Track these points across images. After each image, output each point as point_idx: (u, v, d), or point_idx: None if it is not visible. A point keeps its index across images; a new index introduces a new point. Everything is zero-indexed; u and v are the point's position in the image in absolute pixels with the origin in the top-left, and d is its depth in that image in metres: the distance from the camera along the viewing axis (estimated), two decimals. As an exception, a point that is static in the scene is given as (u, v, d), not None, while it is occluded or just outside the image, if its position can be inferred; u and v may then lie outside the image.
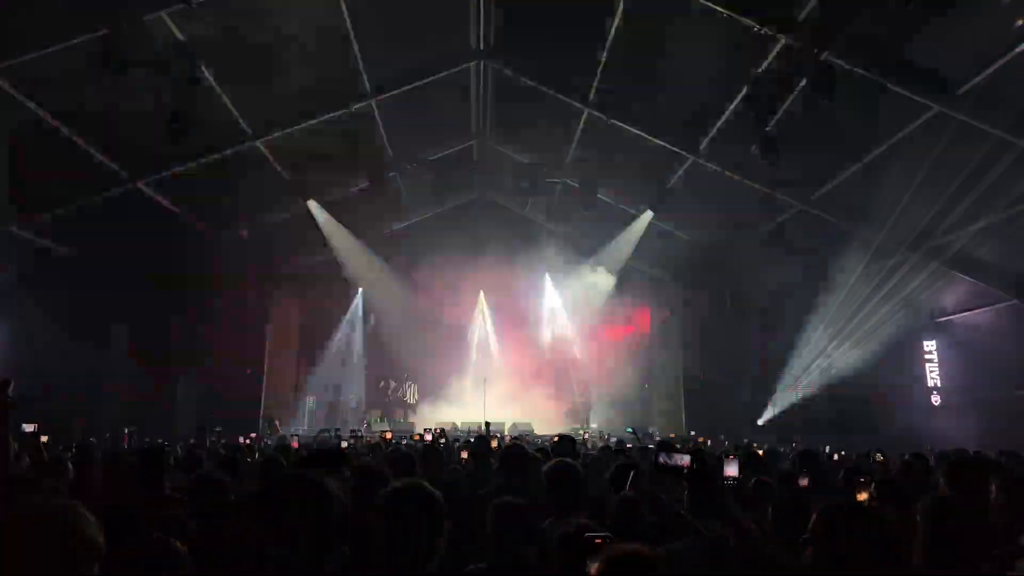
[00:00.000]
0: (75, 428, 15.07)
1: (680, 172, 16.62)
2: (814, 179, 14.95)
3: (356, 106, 15.35)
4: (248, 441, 10.75)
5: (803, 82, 9.54)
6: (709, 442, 15.16)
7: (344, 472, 3.60)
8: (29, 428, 6.41)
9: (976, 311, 16.60)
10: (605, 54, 13.53)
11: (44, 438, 7.74)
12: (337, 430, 12.28)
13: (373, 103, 15.66)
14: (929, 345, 18.08)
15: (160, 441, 9.90)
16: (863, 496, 4.12)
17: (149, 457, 4.51)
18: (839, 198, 14.92)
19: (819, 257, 17.43)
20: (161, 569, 2.44)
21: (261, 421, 18.84)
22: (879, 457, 8.02)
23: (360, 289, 22.60)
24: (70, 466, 5.50)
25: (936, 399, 17.66)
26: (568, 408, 21.28)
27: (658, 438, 11.54)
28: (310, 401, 21.79)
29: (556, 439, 6.96)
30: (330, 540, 2.34)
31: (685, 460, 2.63)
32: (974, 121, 10.98)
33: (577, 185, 17.17)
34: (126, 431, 10.39)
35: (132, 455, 8.03)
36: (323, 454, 3.96)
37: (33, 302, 16.56)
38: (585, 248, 20.58)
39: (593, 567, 2.11)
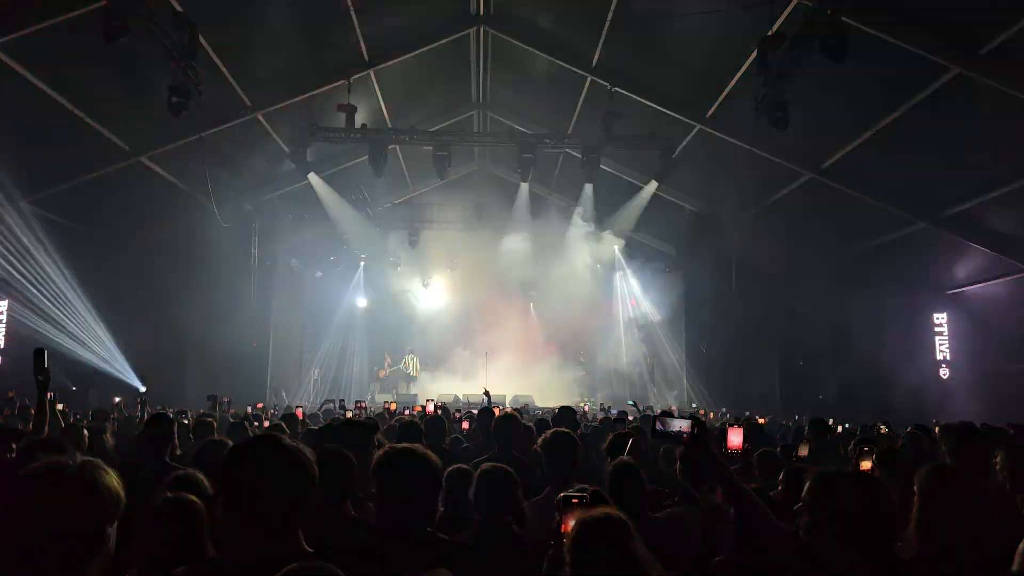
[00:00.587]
0: (89, 396, 15.29)
1: (686, 141, 16.44)
2: (825, 147, 14.74)
3: (355, 76, 15.17)
4: (254, 411, 10.81)
5: (815, 43, 9.30)
6: (712, 414, 15.22)
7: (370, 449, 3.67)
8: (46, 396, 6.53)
9: (989, 283, 16.37)
10: (609, 18, 13.28)
11: (61, 406, 7.86)
12: (342, 401, 12.35)
13: (371, 73, 15.47)
14: (939, 318, 17.93)
15: (168, 409, 10.00)
16: (865, 465, 4.10)
17: (155, 423, 4.56)
18: (850, 166, 14.71)
19: (830, 226, 17.30)
20: (179, 522, 2.49)
21: (268, 392, 18.98)
22: (883, 429, 8.01)
23: (362, 263, 22.59)
24: (85, 432, 5.58)
25: (944, 372, 17.60)
26: (580, 377, 21.35)
27: (659, 410, 11.59)
28: (315, 373, 21.91)
29: (557, 411, 6.97)
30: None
31: (684, 426, 2.60)
32: (995, 83, 10.55)
33: (580, 155, 17.01)
34: (138, 400, 10.51)
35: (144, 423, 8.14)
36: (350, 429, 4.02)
37: (44, 275, 16.70)
38: (588, 220, 20.44)
39: (568, 527, 2.15)
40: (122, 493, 1.66)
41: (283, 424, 6.41)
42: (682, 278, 21.03)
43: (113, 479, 1.65)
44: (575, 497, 2.45)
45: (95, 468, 1.65)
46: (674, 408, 16.49)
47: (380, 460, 2.70)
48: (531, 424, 5.91)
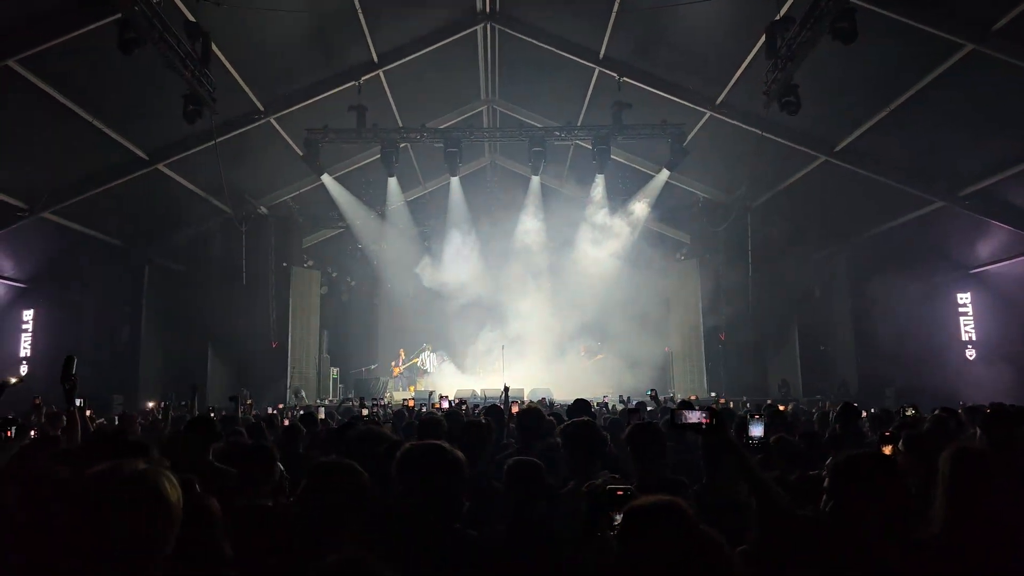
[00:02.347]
0: (114, 402, 15.55)
1: (697, 128, 16.34)
2: (838, 128, 14.59)
3: (365, 77, 15.24)
4: (275, 411, 10.94)
5: (824, 26, 9.19)
6: (731, 404, 15.16)
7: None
8: (76, 403, 6.66)
9: (1012, 260, 16.02)
10: (615, 8, 13.21)
11: (89, 412, 7.99)
12: (362, 399, 12.46)
13: (381, 73, 15.53)
14: (963, 298, 17.58)
15: (209, 408, 10.17)
16: (888, 449, 4.09)
17: (198, 426, 4.60)
18: (865, 147, 14.56)
19: (846, 209, 17.14)
20: (195, 527, 2.52)
21: (288, 392, 19.17)
22: (910, 412, 7.96)
23: (376, 260, 22.70)
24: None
25: (971, 353, 17.29)
26: (600, 368, 21.27)
27: (679, 400, 11.55)
28: (334, 372, 22.08)
29: (571, 404, 6.99)
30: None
31: (702, 417, 2.61)
32: (1010, 58, 10.39)
33: (590, 146, 16.98)
34: (162, 403, 10.67)
35: (174, 425, 8.26)
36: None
37: (69, 284, 17.00)
38: (601, 210, 20.37)
39: (618, 519, 2.08)
40: (181, 500, 1.68)
41: (300, 424, 6.49)
42: (697, 265, 20.93)
43: (174, 485, 1.68)
44: (620, 489, 2.37)
45: (158, 474, 1.67)
46: (694, 398, 16.44)
47: (401, 457, 2.71)
48: (551, 417, 5.94)
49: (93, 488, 1.60)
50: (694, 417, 2.58)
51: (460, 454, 2.71)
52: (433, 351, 22.63)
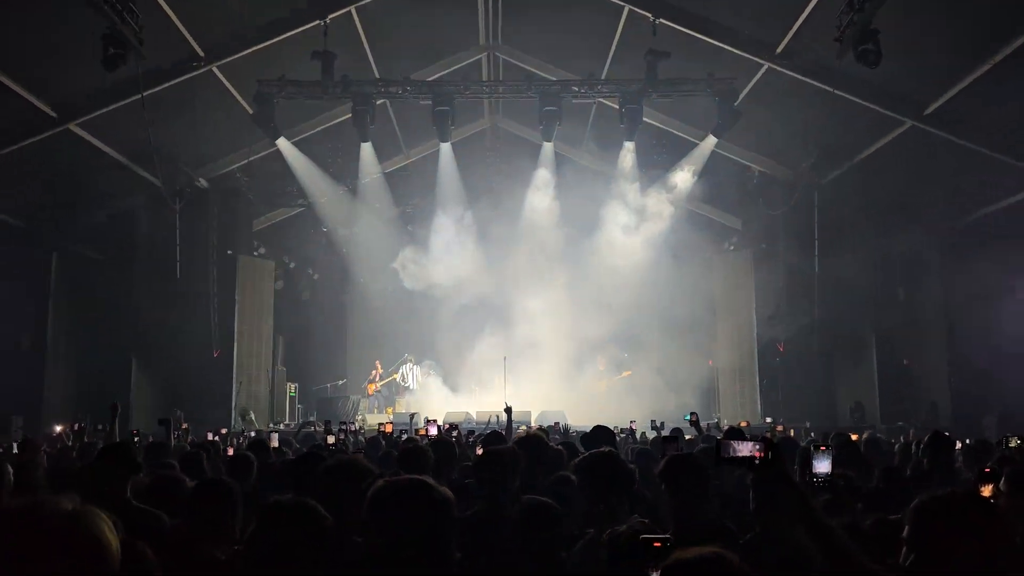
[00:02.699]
0: (13, 425, 15.60)
1: (752, 84, 16.33)
2: (929, 86, 14.56)
3: (332, 15, 15.25)
4: (216, 438, 10.97)
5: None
6: (792, 432, 15.16)
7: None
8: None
9: None
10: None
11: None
12: (327, 423, 12.48)
13: (353, 10, 15.54)
14: (1072, 300, 17.59)
15: (133, 433, 10.18)
16: (987, 490, 4.10)
17: (111, 455, 4.66)
18: (963, 110, 14.53)
19: (937, 188, 17.10)
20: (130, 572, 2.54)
21: (233, 414, 19.22)
22: (1014, 443, 7.95)
23: (345, 248, 22.72)
24: (9, 468, 5.69)
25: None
26: (625, 386, 21.27)
27: (725, 427, 11.54)
28: (292, 389, 22.14)
29: (589, 432, 7.00)
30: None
31: (755, 449, 2.61)
32: None
33: (617, 106, 16.96)
34: (75, 426, 10.69)
35: (83, 453, 8.30)
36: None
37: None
38: (630, 188, 20.38)
39: (656, 574, 2.09)
40: (119, 550, 1.65)
41: (250, 454, 6.52)
42: (751, 258, 20.91)
43: (112, 530, 1.63)
44: (656, 539, 2.37)
45: (94, 515, 1.63)
46: (744, 425, 16.43)
47: (373, 498, 2.71)
48: (559, 447, 5.97)
49: (11, 530, 1.57)
50: (745, 449, 2.59)
51: (448, 492, 2.72)
52: (417, 363, 22.68)
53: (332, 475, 3.60)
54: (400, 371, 22.59)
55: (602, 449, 4.03)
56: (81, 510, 1.64)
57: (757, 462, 2.57)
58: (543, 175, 20.70)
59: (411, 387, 22.39)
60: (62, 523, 1.59)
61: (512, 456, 4.41)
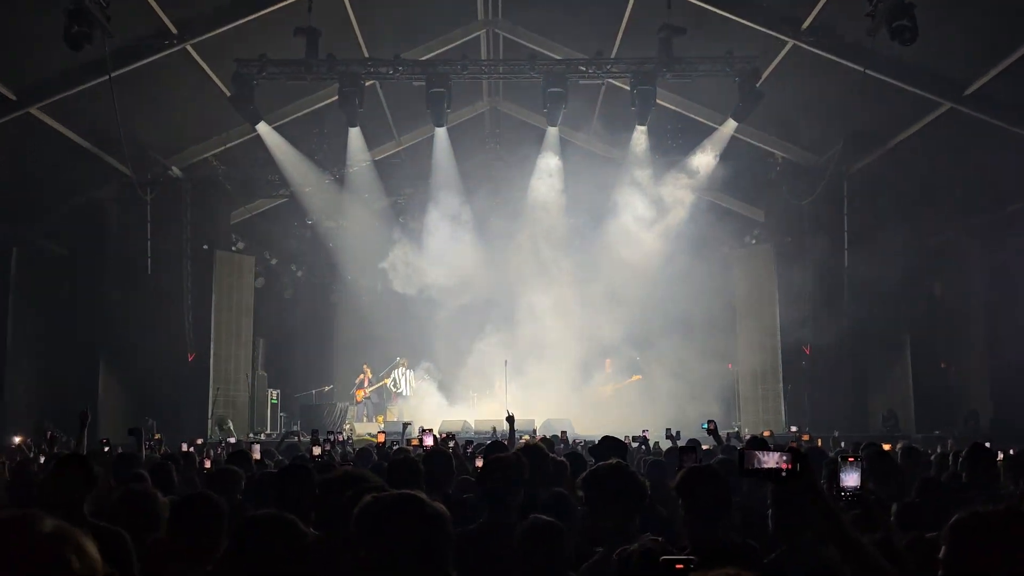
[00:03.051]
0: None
1: (775, 63, 16.31)
2: (968, 66, 14.53)
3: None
4: (192, 449, 10.99)
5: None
6: (819, 442, 15.17)
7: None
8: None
9: None
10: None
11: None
12: (313, 433, 12.51)
13: (341, -18, 15.55)
14: None
15: (103, 443, 10.23)
16: (1032, 506, 4.10)
17: (67, 467, 4.68)
18: (1007, 91, 14.51)
19: (978, 175, 17.07)
20: None
21: (209, 422, 19.24)
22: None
23: (332, 242, 22.72)
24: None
25: None
26: (638, 390, 21.25)
27: (747, 436, 11.54)
28: (273, 395, 22.15)
29: (597, 443, 7.01)
30: None
31: (782, 460, 2.60)
32: None
33: (628, 87, 16.94)
34: (49, 434, 10.77)
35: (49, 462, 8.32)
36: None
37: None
38: (643, 176, 20.37)
39: None
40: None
41: (235, 467, 6.53)
42: (774, 252, 20.90)
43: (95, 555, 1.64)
44: (678, 560, 2.38)
45: (78, 535, 1.62)
46: (768, 434, 16.44)
47: (360, 514, 2.71)
48: (563, 459, 5.98)
49: None
50: (770, 460, 2.59)
51: (441, 507, 2.72)
52: (409, 367, 22.67)
53: (333, 490, 3.61)
54: (392, 376, 22.59)
55: (610, 461, 4.04)
56: (67, 528, 1.63)
57: (784, 474, 2.57)
58: (547, 163, 20.69)
59: (404, 393, 22.38)
60: (43, 543, 1.59)
61: (516, 464, 4.42)
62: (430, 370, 22.71)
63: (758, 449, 2.64)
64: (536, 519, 3.29)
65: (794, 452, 2.60)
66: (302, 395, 22.70)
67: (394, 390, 22.50)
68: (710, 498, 3.76)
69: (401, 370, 22.59)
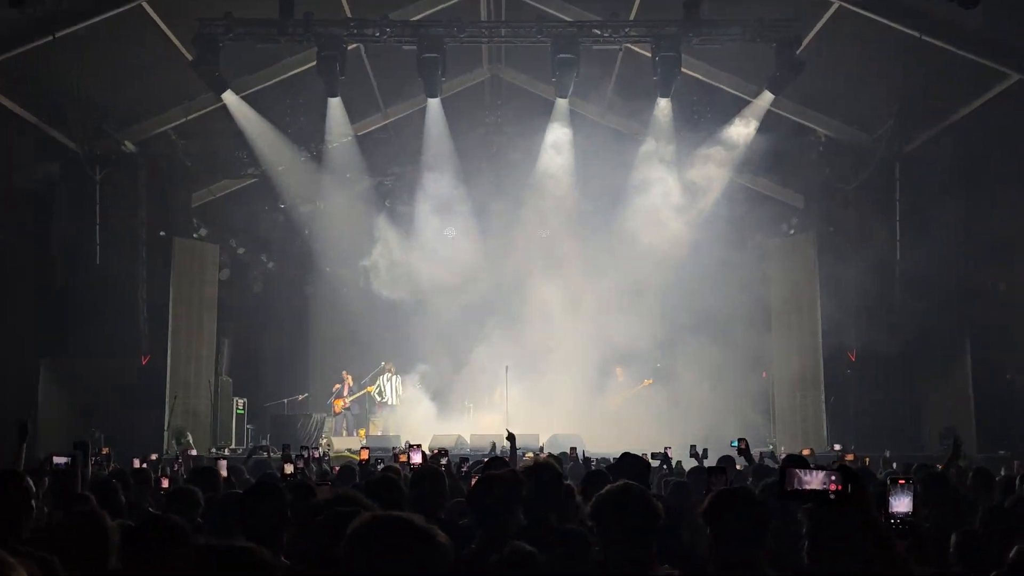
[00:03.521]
0: None
1: (819, 27, 16.28)
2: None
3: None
4: (146, 464, 11.00)
5: None
6: (867, 461, 15.18)
7: None
8: None
9: None
10: None
11: None
12: (285, 448, 12.51)
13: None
14: None
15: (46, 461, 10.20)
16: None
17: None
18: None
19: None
20: None
21: (166, 435, 19.25)
22: None
23: (308, 229, 22.70)
24: None
25: None
26: (657, 401, 21.25)
27: (783, 455, 11.53)
28: (239, 404, 22.17)
29: (615, 460, 7.00)
30: None
31: (830, 480, 2.59)
32: None
33: (649, 54, 16.91)
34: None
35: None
36: None
37: None
38: (665, 156, 20.37)
39: None
40: None
41: (191, 487, 6.51)
42: (815, 243, 20.88)
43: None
44: None
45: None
46: (808, 453, 16.44)
47: (351, 538, 2.72)
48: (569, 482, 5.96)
49: None
50: (815, 480, 2.58)
51: (440, 533, 2.72)
52: (397, 374, 22.66)
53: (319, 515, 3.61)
54: (377, 383, 22.57)
55: (627, 483, 4.03)
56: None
57: (832, 496, 2.55)
58: (556, 138, 20.65)
59: (390, 402, 22.37)
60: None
61: (514, 482, 4.41)
62: (426, 376, 22.64)
63: (799, 467, 2.63)
64: (514, 547, 3.30)
65: (844, 470, 2.58)
66: (272, 404, 22.69)
67: (379, 399, 22.48)
68: (742, 526, 3.75)
69: (387, 376, 22.57)
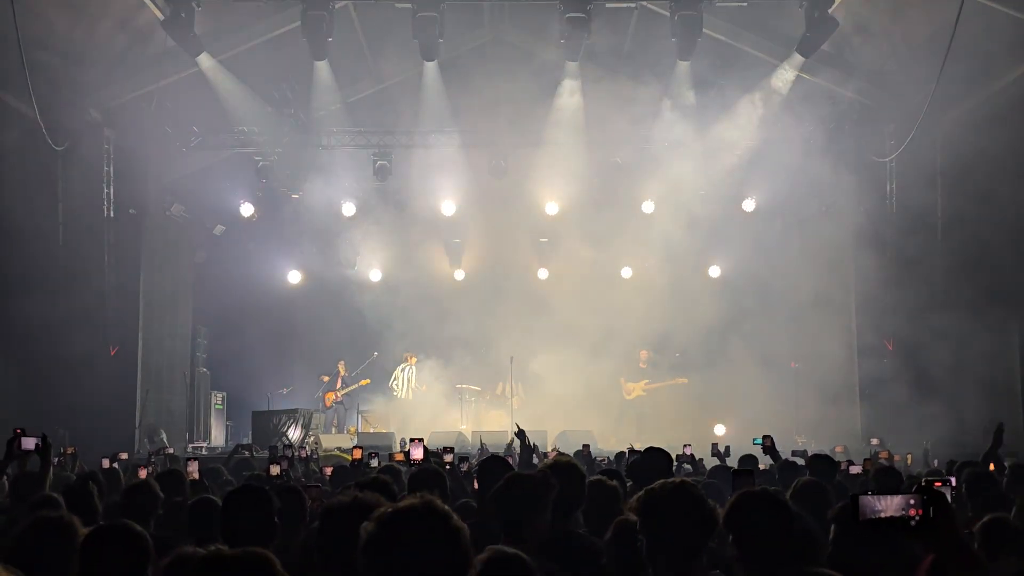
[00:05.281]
0: None
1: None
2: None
3: None
4: (115, 465, 11.06)
5: None
6: (910, 458, 15.21)
7: None
8: None
9: None
10: None
11: None
12: (271, 448, 12.57)
13: None
14: None
15: None
16: None
17: None
18: None
19: None
20: None
21: (137, 432, 19.30)
22: None
23: (293, 204, 22.71)
24: None
25: None
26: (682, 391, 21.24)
27: (811, 452, 11.50)
28: (218, 399, 22.23)
29: (640, 455, 6.99)
30: None
31: (910, 506, 2.58)
32: None
33: (668, 13, 16.88)
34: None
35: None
36: None
37: None
38: (685, 125, 20.36)
39: None
40: None
41: (154, 485, 6.55)
42: (849, 222, 20.90)
43: None
44: None
45: None
46: (840, 449, 16.48)
47: (373, 534, 2.73)
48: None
49: None
50: (892, 505, 2.58)
51: (460, 522, 2.76)
52: (414, 366, 22.60)
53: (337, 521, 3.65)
54: (395, 374, 22.59)
55: (673, 480, 4.05)
56: None
57: (914, 523, 2.55)
58: (565, 105, 20.64)
59: (400, 396, 22.46)
60: None
61: (544, 484, 4.45)
62: (421, 366, 22.70)
63: (881, 494, 2.58)
64: (497, 552, 3.32)
65: (925, 492, 2.58)
66: (254, 399, 22.73)
67: (394, 392, 22.51)
68: (770, 533, 3.79)
69: (403, 366, 22.59)
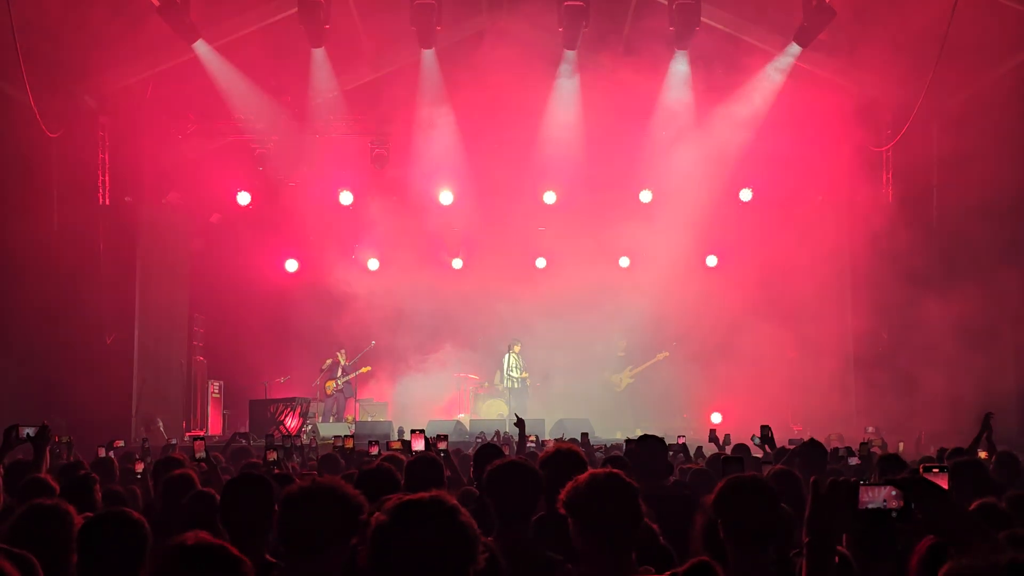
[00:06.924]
0: None
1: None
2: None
3: None
4: (111, 453, 11.10)
5: None
6: (901, 445, 15.27)
7: None
8: None
9: None
10: None
11: None
12: (268, 437, 12.58)
13: None
14: None
15: None
16: None
17: None
18: None
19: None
20: None
21: (134, 421, 19.29)
22: None
23: (290, 192, 22.68)
24: None
25: None
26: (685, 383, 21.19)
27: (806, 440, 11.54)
28: (215, 388, 22.23)
29: (634, 442, 7.01)
30: None
31: (889, 496, 2.59)
32: None
33: (666, 2, 16.87)
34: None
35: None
36: None
37: None
38: (683, 114, 20.34)
39: None
40: None
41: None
42: (845, 211, 20.92)
43: None
44: None
45: None
46: (835, 437, 16.53)
47: (380, 527, 2.75)
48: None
49: None
50: (876, 497, 2.59)
51: (468, 517, 2.79)
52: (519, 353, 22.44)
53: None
54: (503, 361, 22.49)
55: (697, 466, 4.10)
56: None
57: (894, 515, 2.57)
58: (564, 93, 20.63)
59: (509, 384, 22.32)
60: None
61: (534, 476, 4.53)
62: (404, 361, 22.68)
63: (875, 485, 2.62)
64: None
65: (908, 484, 2.60)
66: (251, 387, 22.71)
67: (504, 382, 22.30)
68: (755, 519, 3.84)
69: (509, 355, 22.51)
